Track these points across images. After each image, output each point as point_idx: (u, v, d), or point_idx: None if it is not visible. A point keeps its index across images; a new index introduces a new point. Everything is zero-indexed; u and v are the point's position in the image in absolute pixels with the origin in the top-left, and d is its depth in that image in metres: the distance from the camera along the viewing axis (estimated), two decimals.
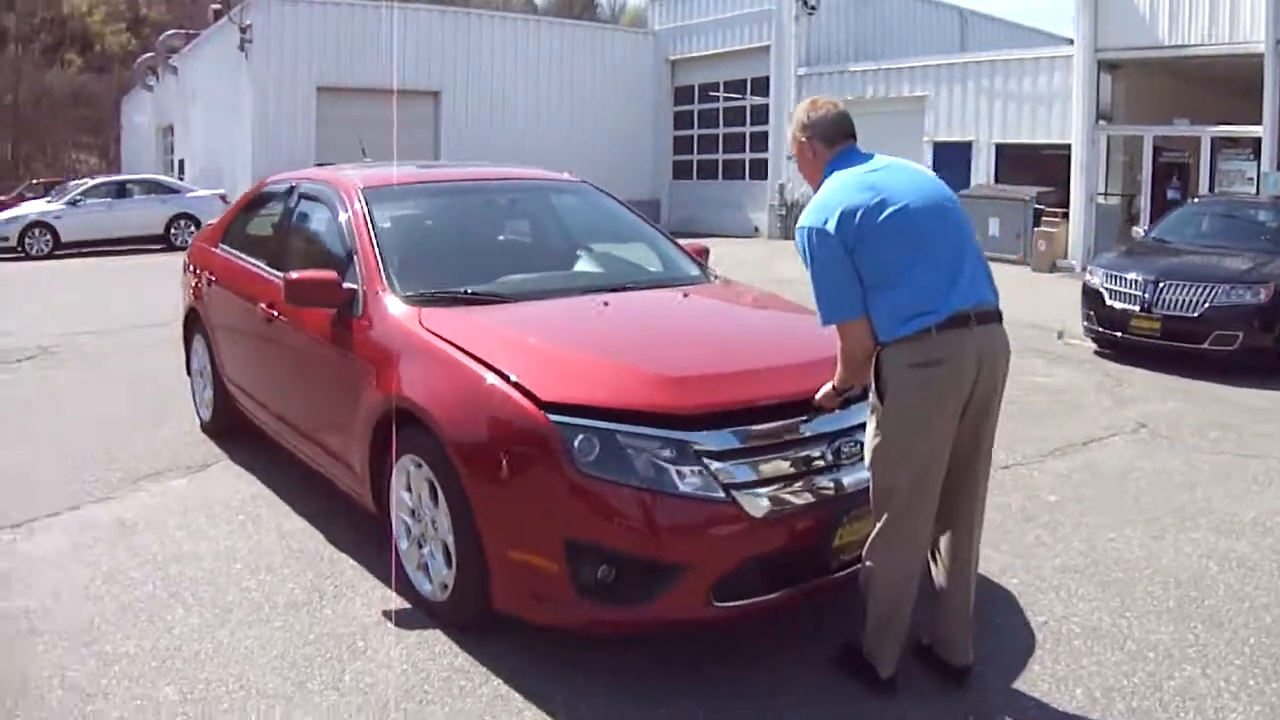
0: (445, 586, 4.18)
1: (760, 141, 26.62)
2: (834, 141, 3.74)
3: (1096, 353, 10.58)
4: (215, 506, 5.75)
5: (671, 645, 4.05)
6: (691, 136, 29.78)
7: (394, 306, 4.69)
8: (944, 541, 3.73)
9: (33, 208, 24.39)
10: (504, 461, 3.78)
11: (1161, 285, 9.90)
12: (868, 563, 3.62)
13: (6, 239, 22.78)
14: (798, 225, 3.58)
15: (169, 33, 34.94)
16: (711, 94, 28.47)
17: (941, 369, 3.41)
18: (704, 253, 5.87)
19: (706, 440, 3.68)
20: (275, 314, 5.54)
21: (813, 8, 24.51)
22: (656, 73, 30.09)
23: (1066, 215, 18.37)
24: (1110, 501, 5.86)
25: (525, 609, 3.87)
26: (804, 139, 3.79)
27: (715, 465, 3.66)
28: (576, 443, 3.64)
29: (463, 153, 25.55)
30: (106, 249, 22.93)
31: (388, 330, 4.61)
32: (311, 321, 5.14)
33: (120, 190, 24.76)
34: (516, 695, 3.76)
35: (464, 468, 3.89)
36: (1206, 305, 9.65)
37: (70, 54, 61.28)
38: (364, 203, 5.30)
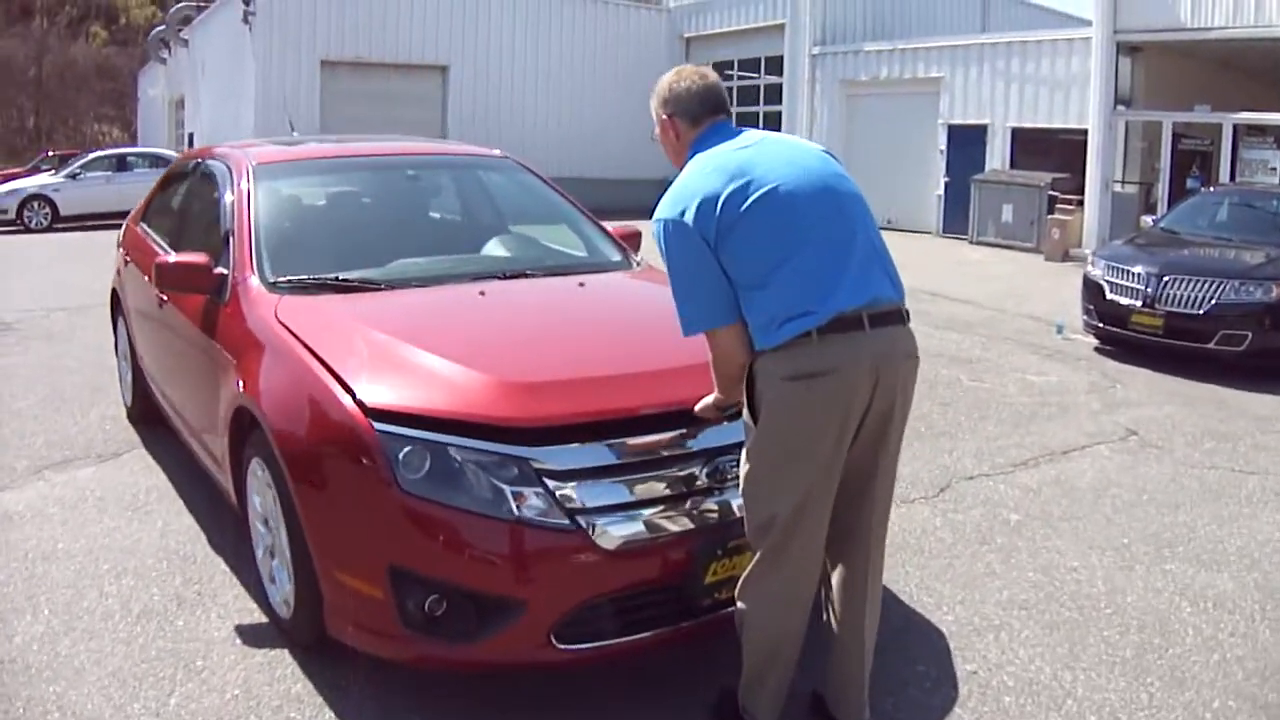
0: (288, 603, 3.74)
1: (774, 121, 25.88)
2: (698, 119, 3.19)
3: (1096, 349, 9.95)
4: (108, 500, 5.47)
5: (521, 687, 3.56)
6: None
7: (256, 294, 4.23)
8: (836, 583, 3.17)
9: (33, 180, 24.13)
10: (328, 472, 3.31)
11: (1165, 279, 9.27)
12: (740, 605, 3.08)
13: (5, 211, 22.51)
14: (653, 218, 3.04)
15: (180, 4, 34.47)
16: (726, 73, 27.81)
17: (825, 381, 2.85)
18: (632, 236, 5.34)
19: (550, 458, 3.16)
20: (164, 298, 5.13)
21: None
22: (670, 50, 29.35)
23: (1081, 203, 17.70)
24: (1079, 523, 5.26)
25: (354, 637, 3.38)
26: (665, 116, 3.23)
27: (560, 487, 3.14)
28: (402, 455, 3.15)
29: (469, 128, 24.89)
30: (106, 222, 22.60)
31: (248, 320, 4.14)
32: (189, 307, 4.75)
33: (120, 163, 24.44)
34: None
35: (291, 476, 3.43)
36: (1213, 302, 9.00)
37: (95, 27, 61.40)
38: (251, 180, 4.86)
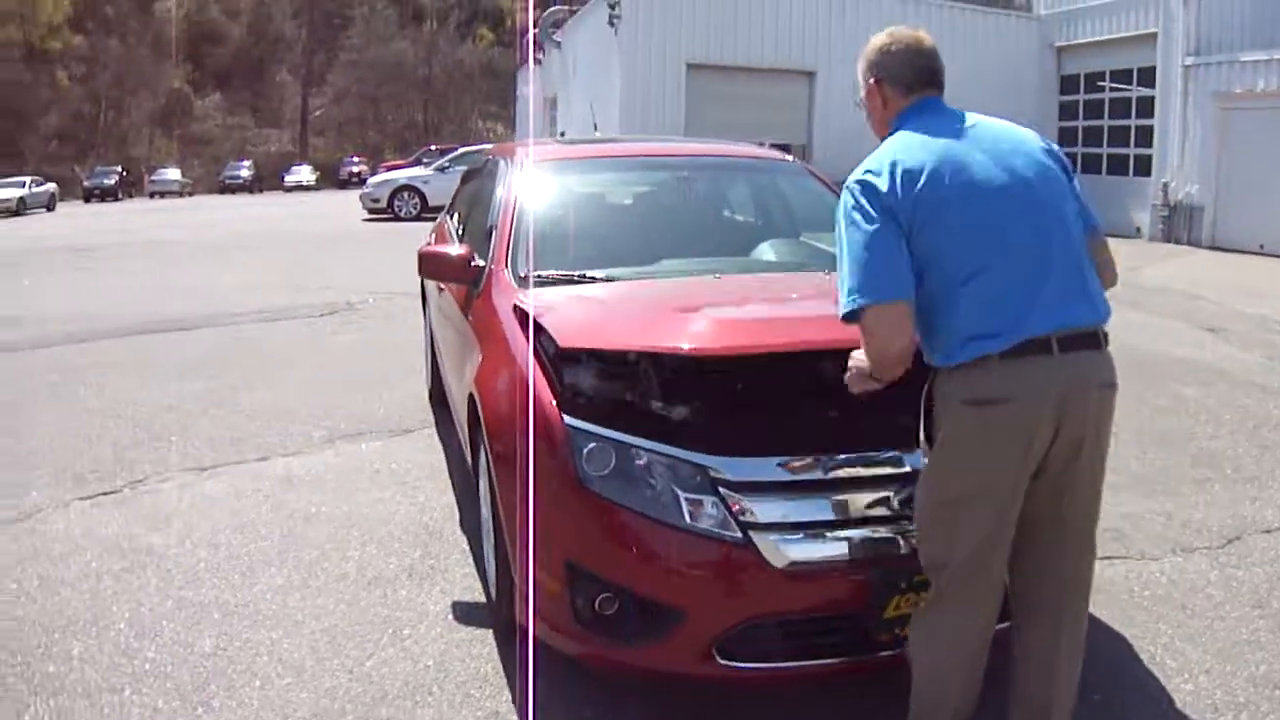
0: (495, 586, 3.89)
1: (1145, 136, 24.28)
2: (911, 88, 2.87)
3: None
4: (382, 473, 5.86)
5: (702, 697, 3.50)
6: (1076, 128, 27.68)
7: (504, 287, 4.37)
8: (1022, 640, 2.90)
9: (405, 172, 26.10)
10: (523, 462, 3.37)
11: None
12: (910, 642, 2.90)
13: (378, 200, 24.48)
14: (845, 185, 2.77)
15: (554, 8, 36.18)
16: (1098, 84, 26.34)
17: (1002, 410, 2.58)
18: None
19: (730, 468, 3.08)
20: (442, 287, 5.44)
21: None
22: (1040, 60, 28.12)
23: None
24: None
25: (536, 627, 3.43)
26: (872, 81, 2.93)
27: (736, 499, 3.05)
28: (586, 451, 3.17)
29: (835, 134, 24.53)
30: None
31: (493, 311, 4.28)
32: (458, 296, 5.01)
33: None
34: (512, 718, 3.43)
35: (495, 463, 3.56)
36: None
37: (482, 29, 65.82)
38: (523, 176, 5.03)
